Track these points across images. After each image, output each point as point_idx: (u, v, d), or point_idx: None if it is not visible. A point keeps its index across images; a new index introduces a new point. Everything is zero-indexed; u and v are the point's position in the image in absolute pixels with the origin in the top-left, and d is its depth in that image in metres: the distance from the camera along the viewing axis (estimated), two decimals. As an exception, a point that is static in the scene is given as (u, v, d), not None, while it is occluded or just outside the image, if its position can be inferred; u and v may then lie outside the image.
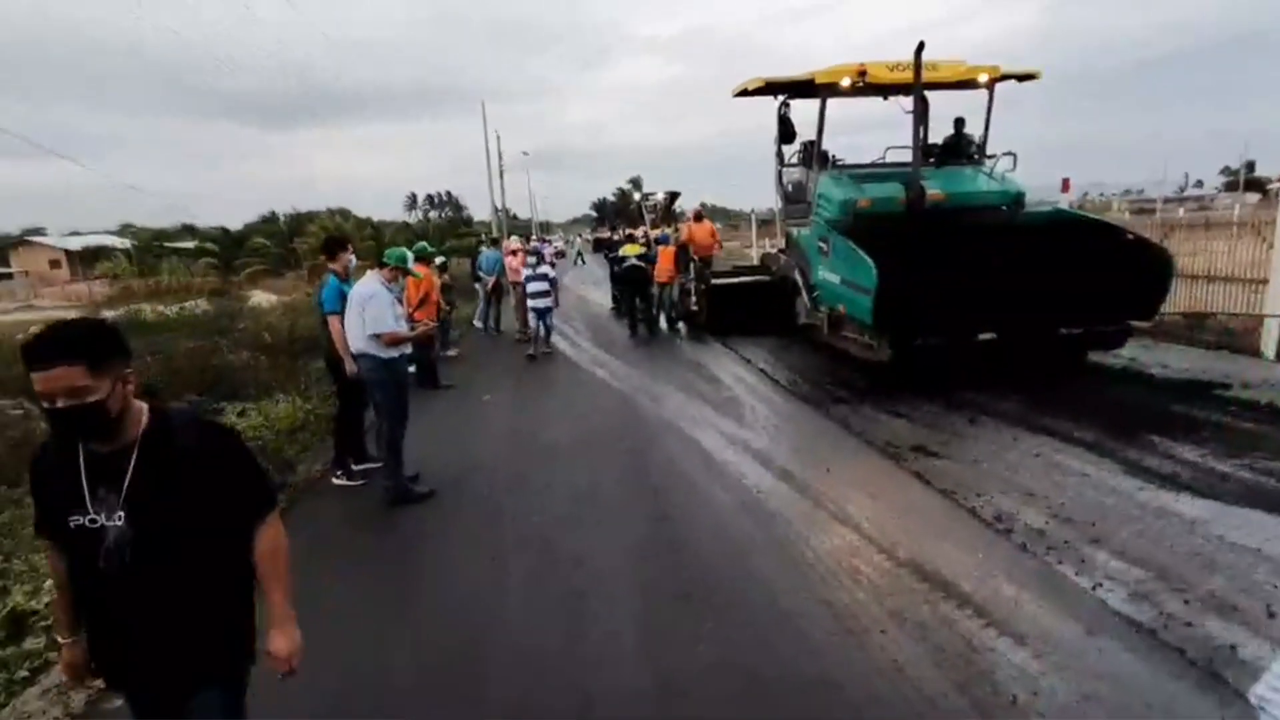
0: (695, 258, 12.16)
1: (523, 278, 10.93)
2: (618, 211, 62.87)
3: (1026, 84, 9.17)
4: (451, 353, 11.15)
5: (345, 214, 44.50)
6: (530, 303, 10.50)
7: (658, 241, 12.55)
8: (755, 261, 15.14)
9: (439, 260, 10.81)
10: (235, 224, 48.93)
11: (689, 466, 5.40)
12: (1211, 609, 3.11)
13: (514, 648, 3.21)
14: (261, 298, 22.50)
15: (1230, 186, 47.28)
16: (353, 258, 5.64)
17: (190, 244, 44.37)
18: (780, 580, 3.61)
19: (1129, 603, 3.19)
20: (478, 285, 13.53)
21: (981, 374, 7.10)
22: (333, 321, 5.20)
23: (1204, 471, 4.67)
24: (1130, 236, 7.64)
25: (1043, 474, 4.79)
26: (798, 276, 9.83)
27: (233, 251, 41.07)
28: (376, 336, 4.79)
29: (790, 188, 10.16)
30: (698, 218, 12.60)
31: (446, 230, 46.14)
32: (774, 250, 12.55)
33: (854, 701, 2.67)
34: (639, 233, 14.83)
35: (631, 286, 12.30)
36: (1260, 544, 3.65)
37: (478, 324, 13.52)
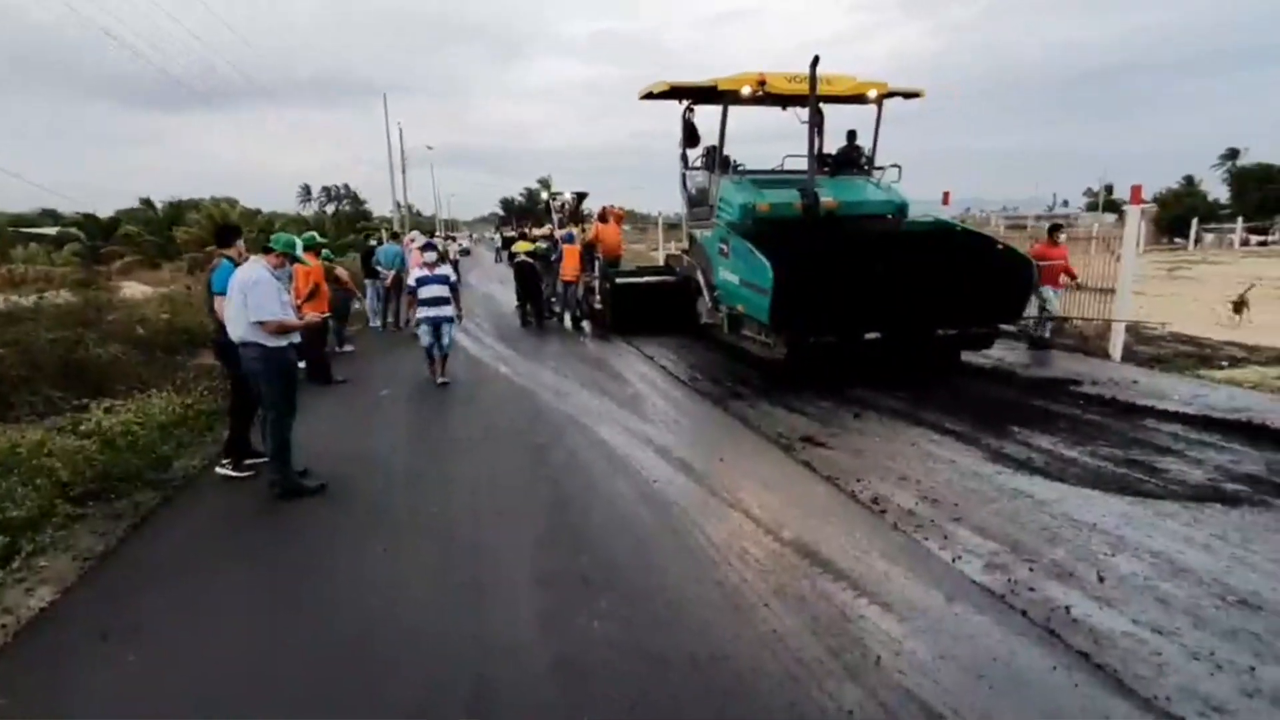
0: (600, 257, 12.26)
1: (412, 279, 8.52)
2: (526, 211, 62.27)
3: (914, 101, 9.83)
4: (348, 349, 10.77)
5: (232, 203, 41.85)
6: (423, 312, 8.03)
7: (563, 240, 12.58)
8: (661, 263, 15.43)
9: (325, 253, 10.32)
10: (107, 210, 45.00)
11: (590, 459, 5.47)
12: (1053, 576, 3.48)
13: (409, 637, 3.18)
14: (136, 289, 20.87)
15: (1091, 207, 51.96)
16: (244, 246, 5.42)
17: (52, 230, 40.52)
18: (674, 564, 3.74)
19: (983, 572, 3.51)
20: (369, 281, 13.05)
21: (868, 371, 7.54)
22: (219, 302, 4.99)
23: (1054, 457, 5.17)
24: (1000, 247, 8.31)
25: (917, 461, 5.16)
26: (700, 277, 10.11)
27: (102, 240, 37.80)
28: (260, 324, 4.60)
29: (694, 191, 10.44)
30: (603, 218, 12.70)
31: (344, 224, 44.21)
32: (678, 252, 12.83)
33: (739, 670, 2.82)
34: (544, 231, 14.81)
35: (522, 282, 12.75)
36: (1097, 519, 4.10)
37: (374, 321, 13.07)
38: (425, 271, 8.17)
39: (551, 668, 2.90)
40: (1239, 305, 12.16)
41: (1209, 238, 37.37)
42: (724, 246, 8.57)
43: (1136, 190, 9.73)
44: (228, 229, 5.61)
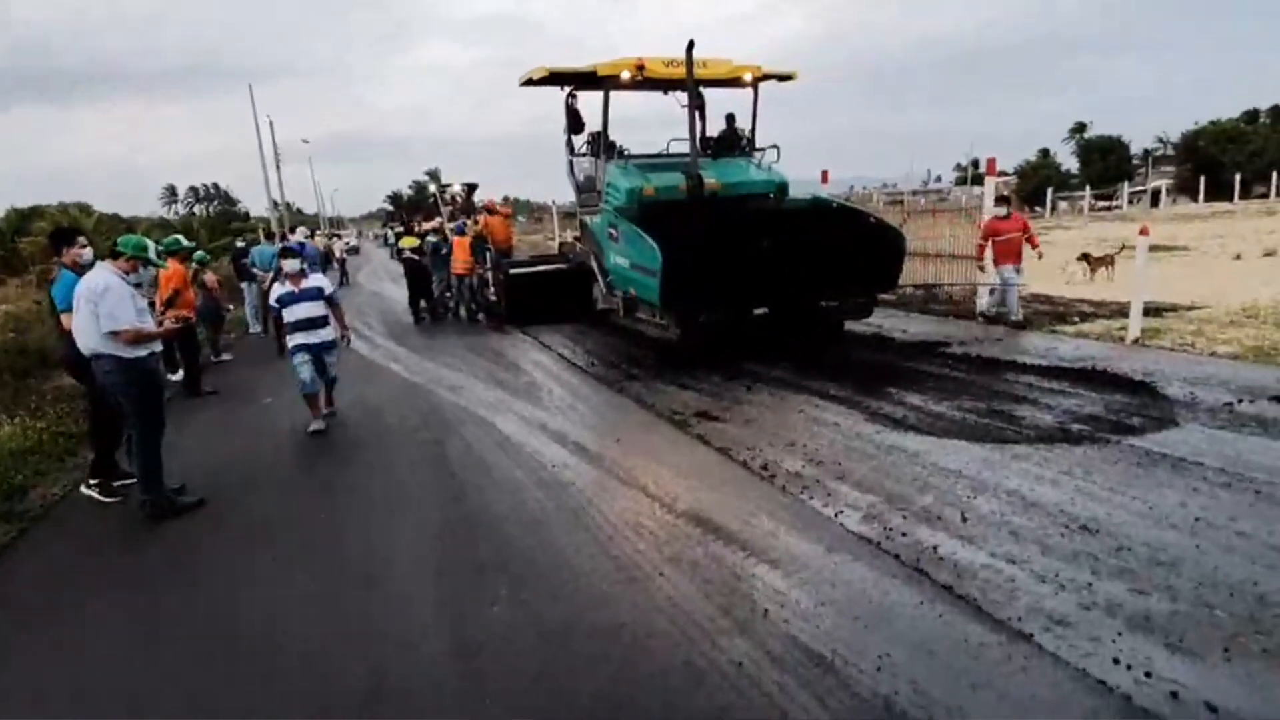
0: (491, 249, 12.07)
1: (273, 299, 6.38)
2: (415, 204, 60.20)
3: (791, 84, 10.18)
4: (225, 357, 10.15)
5: (86, 209, 38.21)
6: (296, 338, 6.13)
7: (453, 233, 12.31)
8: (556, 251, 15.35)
9: (197, 255, 9.67)
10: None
11: (485, 450, 5.42)
12: (922, 521, 3.75)
13: (303, 639, 3.09)
14: (-25, 308, 18.78)
15: (960, 181, 55.47)
16: (88, 252, 5.00)
17: None
18: (571, 543, 3.78)
19: (861, 523, 3.75)
20: (245, 285, 12.33)
21: (758, 346, 7.81)
22: (66, 319, 4.59)
23: (925, 413, 5.55)
24: (873, 220, 8.76)
25: (803, 427, 5.42)
26: (593, 263, 10.13)
27: (-70, 255, 33.66)
28: (114, 334, 4.27)
29: (581, 178, 10.42)
30: (490, 210, 12.49)
31: (216, 226, 41.27)
32: (571, 239, 12.81)
33: (635, 637, 2.90)
34: (434, 224, 14.42)
35: (411, 278, 12.58)
36: (961, 466, 4.44)
37: (254, 327, 12.35)
38: (288, 287, 6.15)
39: (450, 654, 2.89)
40: (1094, 264, 13.37)
41: (1063, 205, 40.80)
42: (613, 231, 8.62)
43: (992, 162, 10.52)
44: (61, 232, 5.19)
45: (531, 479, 4.77)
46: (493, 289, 12.14)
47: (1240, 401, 5.30)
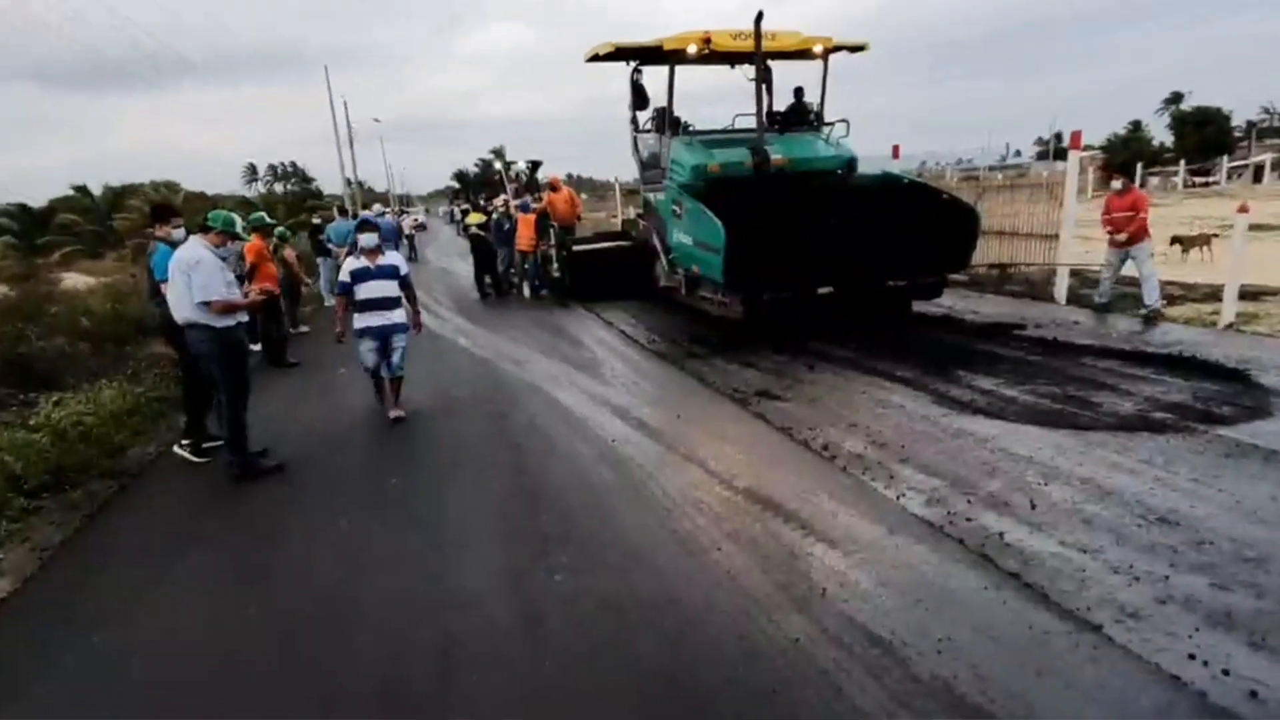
0: (555, 225, 12.19)
1: (345, 274, 5.80)
2: (482, 182, 61.14)
3: (861, 57, 9.87)
4: (303, 329, 10.62)
5: (173, 187, 40.27)
6: (363, 320, 5.70)
7: (519, 209, 12.48)
8: (619, 229, 15.40)
9: (278, 231, 10.07)
10: (39, 200, 42.92)
11: (549, 423, 5.54)
12: (989, 506, 3.67)
13: (375, 602, 3.26)
14: (78, 280, 20.18)
15: (1042, 156, 52.80)
16: (180, 231, 5.32)
17: (-22, 222, 38.62)
18: (631, 516, 3.86)
19: (924, 507, 3.69)
20: (321, 260, 12.81)
21: (822, 325, 7.70)
22: (163, 286, 4.93)
23: (996, 397, 5.39)
24: (945, 197, 8.47)
25: (867, 408, 5.34)
26: (656, 240, 10.14)
27: (37, 231, 36.17)
28: (206, 305, 4.54)
29: (645, 154, 10.40)
30: (554, 187, 12.58)
31: (293, 203, 42.93)
32: (634, 216, 12.82)
33: (692, 609, 2.95)
34: (499, 201, 14.64)
35: (477, 254, 12.85)
36: (1032, 453, 4.31)
37: (330, 301, 12.83)
38: (363, 262, 5.70)
39: (514, 620, 3.01)
40: (1186, 245, 12.61)
41: (1154, 181, 38.38)
42: (677, 208, 8.59)
43: (1076, 136, 9.98)
44: (160, 208, 5.54)
45: (593, 452, 4.86)
46: (556, 266, 12.29)
47: (1346, 392, 4.95)
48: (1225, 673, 2.39)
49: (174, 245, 5.04)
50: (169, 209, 5.63)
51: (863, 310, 8.01)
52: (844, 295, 7.48)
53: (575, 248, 11.79)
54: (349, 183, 32.62)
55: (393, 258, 5.90)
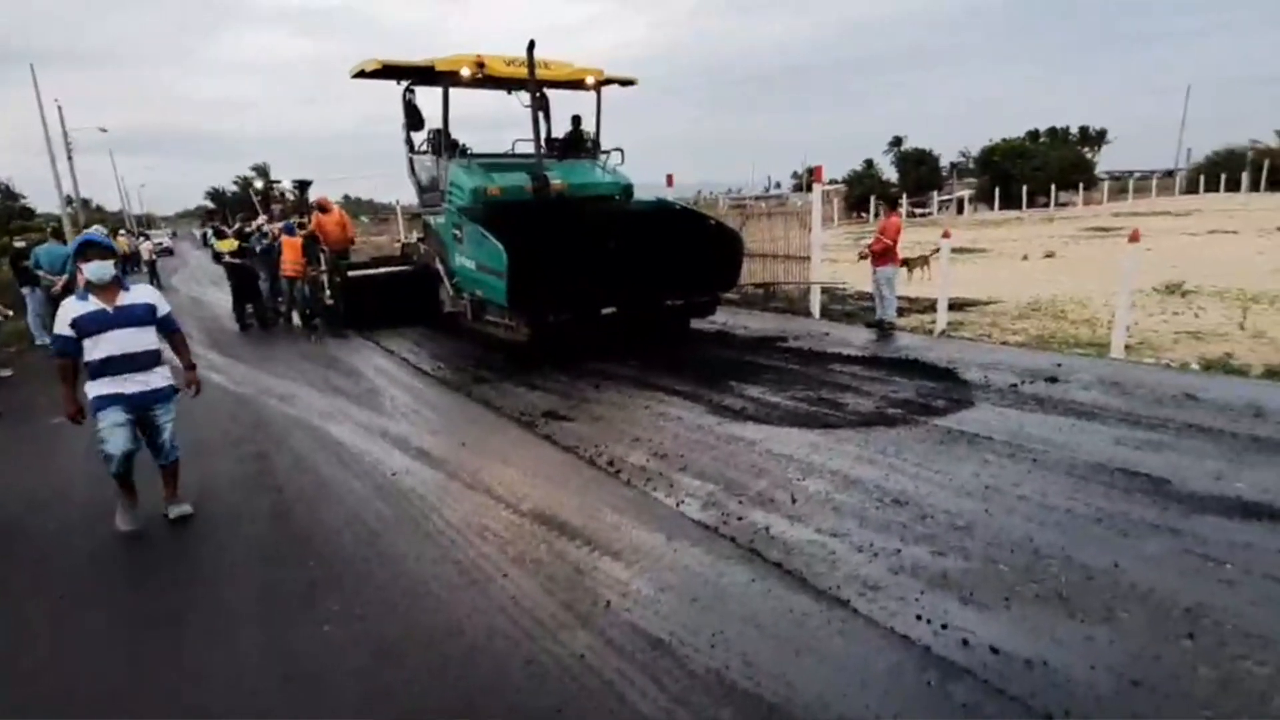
0: (325, 249, 11.36)
1: (64, 324, 3.89)
2: (241, 202, 55.41)
3: (634, 90, 10.39)
4: (5, 373, 8.83)
5: None
6: (104, 386, 3.94)
7: (282, 232, 11.45)
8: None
9: None
10: None
11: (319, 461, 5.09)
12: (757, 504, 3.96)
13: (107, 687, 2.73)
14: None
15: (797, 188, 59.13)
16: None
17: None
18: (410, 551, 3.64)
19: (701, 511, 3.90)
20: (28, 291, 10.78)
21: (606, 345, 7.91)
22: None
23: (762, 404, 5.87)
24: (713, 222, 9.15)
25: (649, 422, 5.55)
26: (438, 265, 9.82)
27: None
28: None
29: (424, 177, 10.06)
30: (323, 208, 11.72)
31: (-5, 224, 35.84)
32: (415, 239, 12.32)
33: (475, 640, 2.84)
34: (258, 222, 13.34)
35: (237, 281, 11.71)
36: (793, 452, 4.74)
37: (40, 338, 10.73)
38: (94, 304, 3.91)
39: (277, 688, 2.68)
40: (911, 266, 14.73)
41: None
42: (458, 232, 8.40)
43: (818, 171, 11.30)
44: None
45: (369, 488, 4.53)
46: (328, 292, 11.43)
47: (1023, 383, 6.05)
48: (944, 627, 2.78)
49: None
50: None
51: (644, 329, 8.36)
52: (626, 315, 7.76)
53: (350, 273, 11.06)
54: (69, 200, 27.84)
55: (142, 293, 4.16)
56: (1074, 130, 55.08)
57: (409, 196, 12.15)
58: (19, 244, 12.01)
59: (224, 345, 10.20)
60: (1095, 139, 55.08)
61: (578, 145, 10.04)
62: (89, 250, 3.97)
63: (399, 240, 22.17)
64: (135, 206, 66.42)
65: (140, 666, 2.87)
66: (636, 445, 5.02)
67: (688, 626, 2.83)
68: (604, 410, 5.94)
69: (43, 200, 55.73)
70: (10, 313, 10.37)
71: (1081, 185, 43.97)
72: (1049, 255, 17.18)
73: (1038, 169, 44.17)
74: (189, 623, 3.16)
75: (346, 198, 75.16)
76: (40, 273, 10.41)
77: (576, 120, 10.19)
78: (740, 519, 3.78)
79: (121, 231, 28.54)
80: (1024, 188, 41.15)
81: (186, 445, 4.59)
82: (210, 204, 70.45)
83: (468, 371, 7.62)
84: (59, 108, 28.89)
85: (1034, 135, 52.96)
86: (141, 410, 4.06)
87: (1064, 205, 41.01)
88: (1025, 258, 17.13)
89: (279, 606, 3.23)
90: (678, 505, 3.99)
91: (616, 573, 3.28)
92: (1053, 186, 41.96)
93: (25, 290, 10.75)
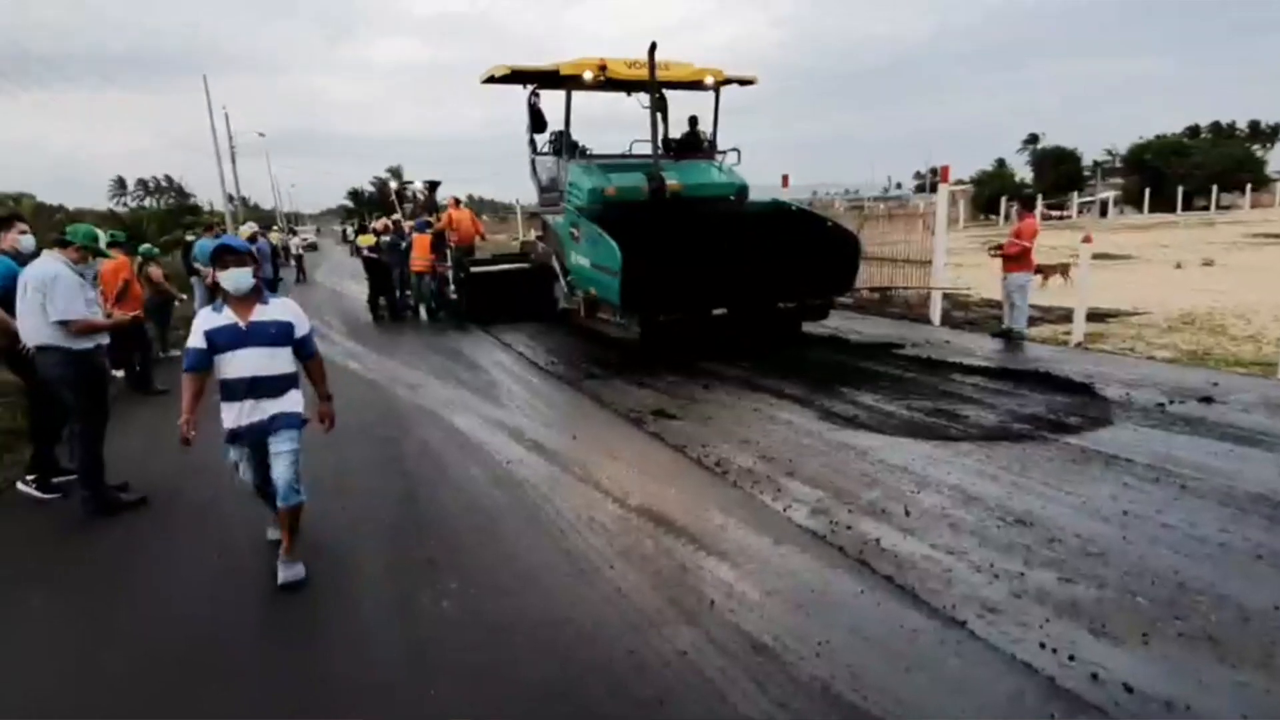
0: (452, 245, 12.00)
1: (197, 335, 3.41)
2: (377, 201, 59.29)
3: (753, 90, 10.31)
4: (174, 353, 9.89)
5: (18, 199, 36.73)
6: (231, 414, 3.56)
7: (414, 230, 12.19)
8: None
9: (143, 248, 9.38)
10: None
11: (442, 448, 5.40)
12: (867, 514, 3.86)
13: (246, 641, 3.04)
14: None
15: (920, 188, 56.62)
16: (28, 239, 4.84)
17: None
18: (523, 538, 3.80)
19: (809, 517, 3.84)
20: (194, 280, 12.02)
21: (717, 346, 7.91)
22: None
23: (875, 412, 5.69)
24: (829, 224, 8.94)
25: (757, 425, 5.51)
26: (555, 263, 10.15)
27: None
28: (64, 325, 4.15)
29: (544, 177, 10.44)
30: (456, 204, 12.42)
31: (166, 220, 40.07)
32: (533, 238, 12.79)
33: (581, 627, 2.93)
34: (381, 224, 14.28)
35: (370, 275, 12.71)
36: (907, 463, 4.57)
37: None
38: (227, 317, 3.43)
39: (398, 652, 2.88)
40: (1047, 273, 13.83)
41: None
42: (575, 231, 8.65)
43: (945, 171, 10.79)
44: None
45: (486, 476, 4.76)
46: (453, 287, 12.07)
47: (1171, 402, 5.54)
48: (1071, 658, 2.60)
49: (21, 258, 4.60)
50: (10, 216, 5.10)
51: (755, 331, 8.29)
52: (737, 316, 7.73)
53: (473, 269, 11.63)
54: (230, 199, 30.80)
55: (281, 309, 3.56)
56: (1241, 125, 49.63)
57: (528, 196, 12.65)
58: (189, 238, 13.45)
59: (359, 333, 11.01)
60: (1268, 135, 49.40)
61: (694, 145, 10.09)
62: (226, 256, 3.43)
63: (517, 238, 23.06)
64: (285, 205, 72.53)
65: (278, 625, 3.16)
66: (744, 447, 5.00)
67: (793, 632, 2.80)
68: (712, 410, 5.95)
69: (207, 196, 61.86)
70: (184, 297, 11.64)
71: (1249, 186, 39.54)
72: (1207, 263, 15.59)
73: (1197, 167, 40.10)
74: (322, 588, 3.44)
75: (470, 197, 78.78)
76: (197, 265, 11.61)
77: (693, 121, 10.24)
78: (849, 528, 3.69)
79: (275, 228, 31.22)
80: (1179, 188, 37.42)
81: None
82: (350, 203, 75.82)
83: (579, 367, 7.84)
84: (225, 114, 32.03)
85: (1194, 131, 48.13)
86: (260, 436, 3.53)
87: (1226, 208, 36.99)
88: (1179, 265, 15.63)
89: (402, 580, 3.46)
90: (785, 510, 3.95)
91: (721, 573, 3.30)
92: (1214, 187, 37.94)
93: (193, 280, 12.01)
